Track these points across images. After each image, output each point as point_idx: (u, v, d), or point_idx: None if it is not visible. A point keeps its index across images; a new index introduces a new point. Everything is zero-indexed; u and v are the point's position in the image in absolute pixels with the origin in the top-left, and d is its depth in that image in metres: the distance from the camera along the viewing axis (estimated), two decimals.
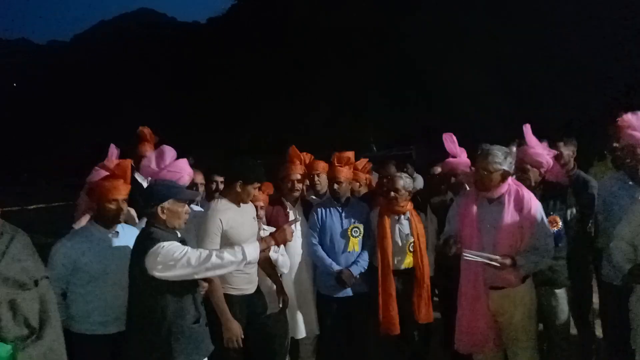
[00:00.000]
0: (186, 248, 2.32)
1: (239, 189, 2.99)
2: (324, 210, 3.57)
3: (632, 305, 2.66)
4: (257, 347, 3.11)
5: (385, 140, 13.75)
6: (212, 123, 25.54)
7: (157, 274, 2.24)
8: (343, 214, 3.55)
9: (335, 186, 3.57)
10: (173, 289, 2.33)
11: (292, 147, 3.74)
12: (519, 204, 2.82)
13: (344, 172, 3.61)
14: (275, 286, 3.25)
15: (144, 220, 2.65)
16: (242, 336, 2.85)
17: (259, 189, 3.29)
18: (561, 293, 3.08)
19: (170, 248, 2.26)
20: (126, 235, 2.73)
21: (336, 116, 18.59)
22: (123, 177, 2.69)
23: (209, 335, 2.53)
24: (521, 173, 3.19)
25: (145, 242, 2.33)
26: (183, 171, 2.86)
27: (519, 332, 2.90)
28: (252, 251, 2.44)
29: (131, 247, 2.63)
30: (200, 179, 3.64)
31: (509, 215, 2.81)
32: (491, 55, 15.74)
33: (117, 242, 2.69)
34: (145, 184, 3.67)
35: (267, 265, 3.23)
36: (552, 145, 3.32)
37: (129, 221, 3.00)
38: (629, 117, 3.01)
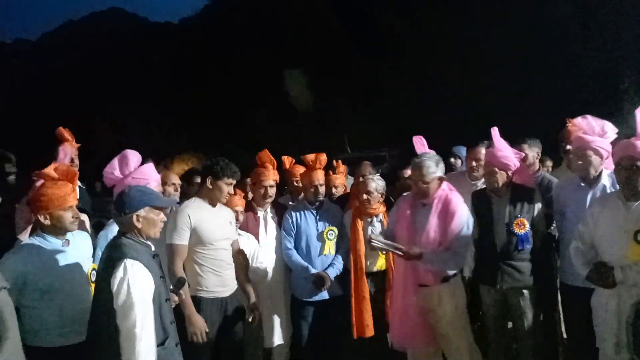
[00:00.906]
0: (140, 318, 2.10)
1: (210, 186, 3.01)
2: (297, 214, 3.56)
3: (593, 307, 2.77)
4: (229, 353, 3.08)
5: (360, 142, 13.82)
6: (189, 124, 25.16)
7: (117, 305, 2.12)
8: (317, 217, 3.55)
9: (319, 189, 3.54)
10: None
11: (264, 151, 3.65)
12: (446, 208, 3.01)
13: (323, 175, 3.63)
14: (250, 300, 3.17)
15: (113, 223, 2.57)
16: (207, 330, 2.84)
17: (235, 192, 3.32)
18: (527, 293, 3.17)
19: (129, 305, 2.09)
20: (77, 243, 2.61)
21: (308, 119, 18.64)
22: (72, 182, 2.53)
23: (181, 355, 2.41)
24: (488, 176, 3.30)
25: (113, 255, 2.20)
26: (150, 177, 2.81)
27: (448, 328, 3.05)
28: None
29: (84, 253, 2.57)
30: (174, 179, 3.57)
31: (435, 218, 3.02)
32: (466, 57, 16.06)
33: (68, 251, 2.54)
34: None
35: (242, 277, 3.19)
36: (516, 146, 3.40)
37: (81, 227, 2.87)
38: (579, 121, 3.13)
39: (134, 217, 2.25)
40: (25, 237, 2.59)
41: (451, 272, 3.09)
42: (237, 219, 3.38)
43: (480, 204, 3.39)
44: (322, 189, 3.60)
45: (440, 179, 3.07)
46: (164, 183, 3.38)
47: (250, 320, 3.10)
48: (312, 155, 3.62)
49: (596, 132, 3.04)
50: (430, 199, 3.06)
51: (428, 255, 2.93)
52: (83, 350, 2.35)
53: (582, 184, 3.13)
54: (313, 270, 3.41)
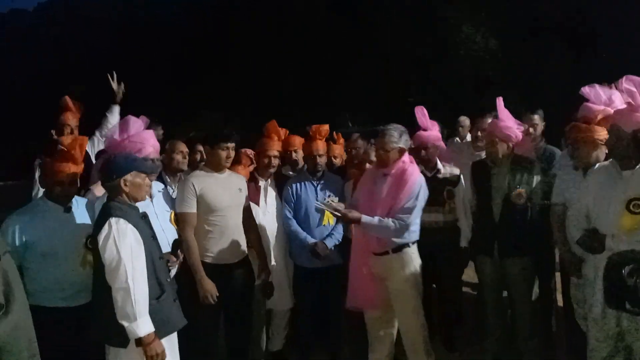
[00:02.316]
0: (129, 272, 2.20)
1: (209, 154, 3.09)
2: (298, 185, 3.58)
3: (572, 293, 2.82)
4: (237, 319, 3.17)
5: (361, 117, 13.69)
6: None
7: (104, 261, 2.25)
8: (318, 187, 3.57)
9: (318, 160, 3.57)
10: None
11: (271, 122, 3.70)
12: (400, 179, 3.00)
13: (324, 146, 3.65)
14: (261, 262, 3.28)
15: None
16: (217, 294, 2.94)
17: (240, 162, 3.46)
18: (524, 263, 3.21)
19: (110, 254, 2.22)
20: (80, 209, 2.68)
21: (311, 92, 18.36)
22: (75, 156, 2.60)
23: (180, 311, 2.50)
24: (489, 146, 3.29)
25: (100, 218, 2.33)
26: (146, 142, 2.83)
27: (398, 296, 3.08)
28: (143, 324, 2.24)
29: (85, 220, 2.64)
30: (182, 147, 3.57)
31: (388, 187, 3.04)
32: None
33: (70, 217, 2.61)
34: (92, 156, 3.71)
35: (253, 238, 3.26)
36: (527, 116, 3.37)
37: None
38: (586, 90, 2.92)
39: (122, 181, 2.36)
40: (98, 191, 2.78)
41: (400, 242, 3.03)
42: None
43: (479, 174, 3.40)
44: (322, 160, 3.61)
45: (402, 151, 3.06)
46: (171, 151, 3.44)
47: (261, 281, 3.24)
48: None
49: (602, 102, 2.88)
50: (390, 168, 3.06)
51: (366, 220, 2.93)
52: (88, 311, 2.45)
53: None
54: (311, 240, 3.44)
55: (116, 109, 4.03)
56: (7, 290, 1.89)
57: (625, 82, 2.46)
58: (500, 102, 3.25)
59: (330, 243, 3.47)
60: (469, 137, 5.10)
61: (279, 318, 3.68)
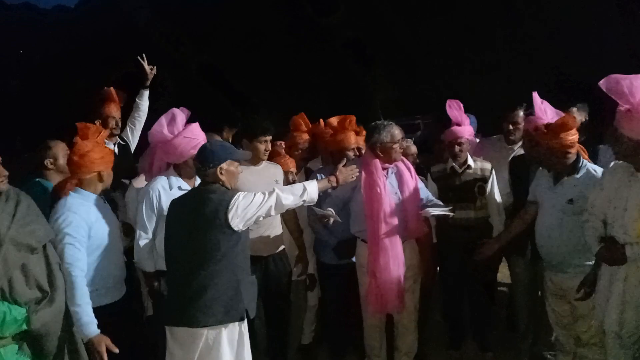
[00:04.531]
0: (252, 194, 2.39)
1: (245, 147, 3.06)
2: (324, 176, 3.54)
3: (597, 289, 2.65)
4: (272, 311, 3.19)
5: (393, 111, 13.56)
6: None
7: (240, 224, 2.33)
8: None
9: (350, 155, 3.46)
10: (243, 241, 2.42)
11: (300, 115, 3.72)
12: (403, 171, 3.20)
13: (356, 139, 3.56)
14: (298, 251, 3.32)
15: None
16: None
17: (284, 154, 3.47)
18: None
19: (244, 200, 2.36)
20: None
21: (340, 88, 18.27)
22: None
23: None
24: (529, 146, 3.16)
25: (214, 198, 2.35)
26: (199, 136, 2.82)
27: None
28: (312, 189, 2.57)
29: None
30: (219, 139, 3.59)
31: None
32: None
33: (107, 208, 2.65)
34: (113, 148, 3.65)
35: (294, 228, 3.29)
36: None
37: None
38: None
39: (218, 170, 2.41)
40: (140, 183, 2.87)
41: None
42: (292, 180, 3.40)
43: (518, 170, 3.30)
44: (351, 154, 3.49)
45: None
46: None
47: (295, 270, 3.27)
48: (338, 117, 3.52)
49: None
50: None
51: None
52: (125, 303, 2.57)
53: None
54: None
55: (146, 93, 3.97)
56: (50, 278, 1.98)
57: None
58: (536, 96, 3.08)
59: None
60: None
61: (308, 312, 3.69)
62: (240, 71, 20.18)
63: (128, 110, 3.95)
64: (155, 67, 4.01)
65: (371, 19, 18.87)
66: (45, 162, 3.02)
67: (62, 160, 2.99)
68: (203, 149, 2.49)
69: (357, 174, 2.86)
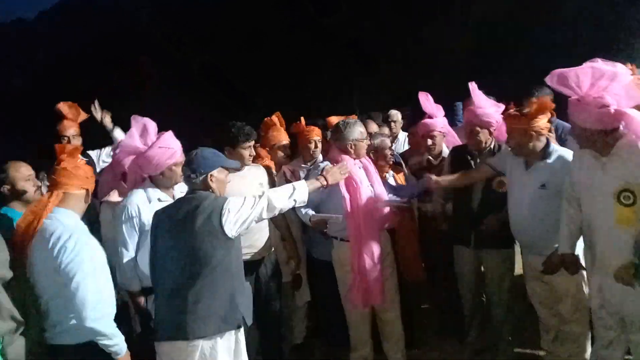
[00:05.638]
0: (243, 198, 2.34)
1: (229, 154, 2.93)
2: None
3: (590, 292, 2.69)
4: (264, 314, 3.12)
5: (369, 105, 13.50)
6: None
7: (233, 230, 2.27)
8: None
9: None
10: (237, 247, 2.38)
11: (275, 114, 3.71)
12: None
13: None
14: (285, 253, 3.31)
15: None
16: None
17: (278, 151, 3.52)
18: (501, 254, 3.15)
19: (236, 204, 2.30)
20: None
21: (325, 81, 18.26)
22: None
23: None
24: (470, 135, 3.14)
25: (206, 205, 2.28)
26: (175, 145, 2.72)
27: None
28: (301, 189, 2.51)
29: None
30: None
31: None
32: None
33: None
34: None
35: (283, 228, 3.26)
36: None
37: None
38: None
39: (209, 177, 2.35)
40: (114, 199, 2.81)
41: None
42: (294, 177, 3.41)
43: (459, 159, 3.25)
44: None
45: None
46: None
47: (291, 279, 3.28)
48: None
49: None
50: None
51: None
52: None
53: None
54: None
55: (118, 130, 3.84)
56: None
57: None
58: (473, 86, 3.09)
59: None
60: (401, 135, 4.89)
61: (299, 311, 3.70)
62: (242, 71, 20.22)
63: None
64: (103, 110, 3.91)
65: (372, 19, 18.89)
66: (1, 189, 2.61)
67: (21, 186, 2.59)
68: (194, 155, 2.39)
69: (348, 171, 2.83)
